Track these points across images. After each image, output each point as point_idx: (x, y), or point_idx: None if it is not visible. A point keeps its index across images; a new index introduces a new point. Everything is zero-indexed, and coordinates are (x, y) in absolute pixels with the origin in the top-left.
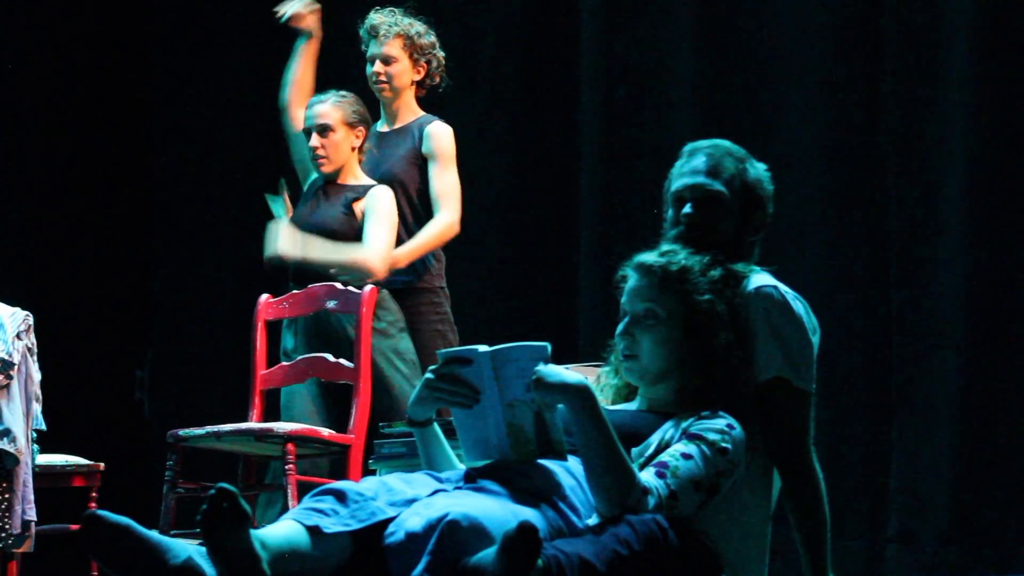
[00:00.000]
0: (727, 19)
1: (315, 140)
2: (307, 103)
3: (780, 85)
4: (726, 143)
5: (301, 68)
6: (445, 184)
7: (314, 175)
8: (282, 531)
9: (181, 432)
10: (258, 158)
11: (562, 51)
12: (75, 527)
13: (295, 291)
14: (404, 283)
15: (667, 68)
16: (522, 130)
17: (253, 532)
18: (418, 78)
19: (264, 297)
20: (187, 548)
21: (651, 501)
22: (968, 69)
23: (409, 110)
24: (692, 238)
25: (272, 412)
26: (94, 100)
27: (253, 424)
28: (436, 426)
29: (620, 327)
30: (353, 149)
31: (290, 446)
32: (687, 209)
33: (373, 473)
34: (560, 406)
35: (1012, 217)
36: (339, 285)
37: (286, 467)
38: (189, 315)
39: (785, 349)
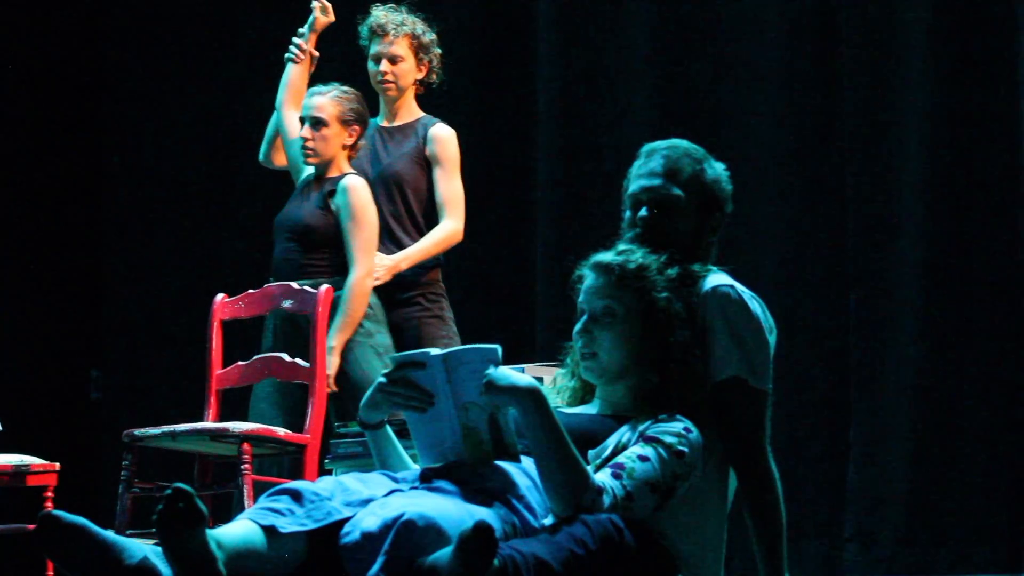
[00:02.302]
0: (685, 18)
1: (306, 131)
2: (306, 95)
3: (738, 85)
4: (684, 143)
5: (297, 72)
6: (450, 191)
7: (305, 173)
8: (238, 531)
9: (137, 432)
10: (211, 155)
11: (520, 50)
12: (31, 527)
13: (251, 291)
14: (398, 278)
15: (625, 68)
16: (479, 130)
17: (209, 532)
18: (421, 76)
19: (220, 296)
20: (143, 548)
21: (606, 500)
22: (926, 69)
23: (410, 108)
24: (648, 240)
25: (229, 412)
26: (45, 99)
27: (209, 424)
28: (388, 428)
29: (578, 326)
30: (344, 147)
31: (246, 446)
32: (643, 212)
33: (329, 473)
34: (511, 409)
35: (969, 217)
36: (295, 285)
37: (241, 467)
38: (145, 314)
39: (742, 349)
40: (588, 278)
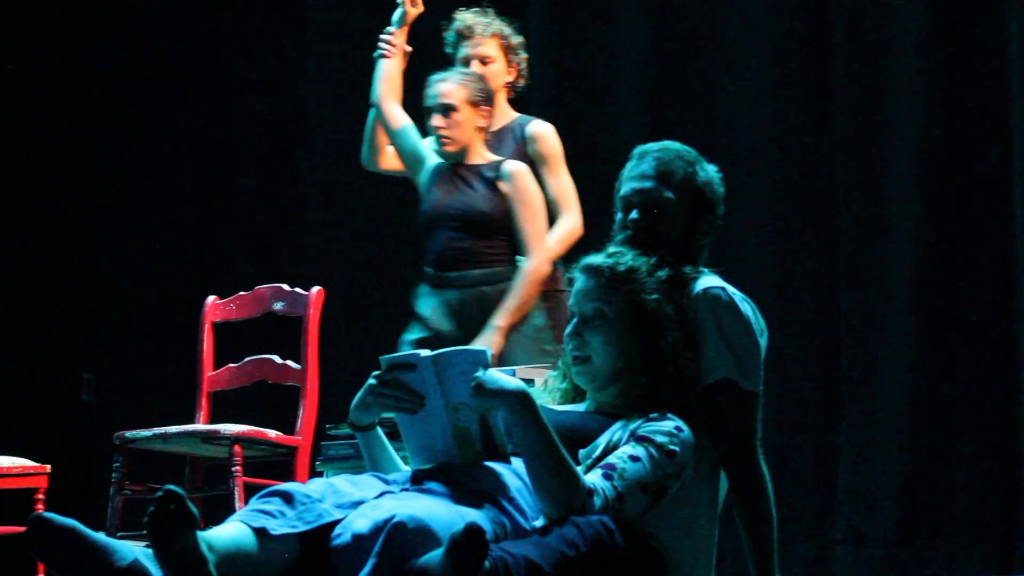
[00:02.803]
0: (677, 22)
1: (438, 120)
2: (428, 85)
3: (729, 87)
4: (676, 145)
5: (390, 65)
6: (561, 187)
7: (429, 163)
8: (229, 533)
9: (128, 434)
10: (205, 158)
11: None
12: (21, 529)
13: (242, 293)
14: None
15: (617, 70)
16: None
17: (200, 534)
18: (510, 79)
19: (211, 299)
20: (134, 550)
21: (597, 502)
22: (917, 71)
23: (503, 111)
24: (639, 242)
25: (220, 414)
26: (39, 100)
27: (199, 426)
28: (379, 430)
29: (569, 329)
30: (478, 129)
31: (237, 448)
32: (634, 214)
33: (320, 475)
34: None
35: (961, 218)
36: (286, 287)
37: (233, 469)
38: (137, 317)
39: (733, 351)
40: (578, 280)
